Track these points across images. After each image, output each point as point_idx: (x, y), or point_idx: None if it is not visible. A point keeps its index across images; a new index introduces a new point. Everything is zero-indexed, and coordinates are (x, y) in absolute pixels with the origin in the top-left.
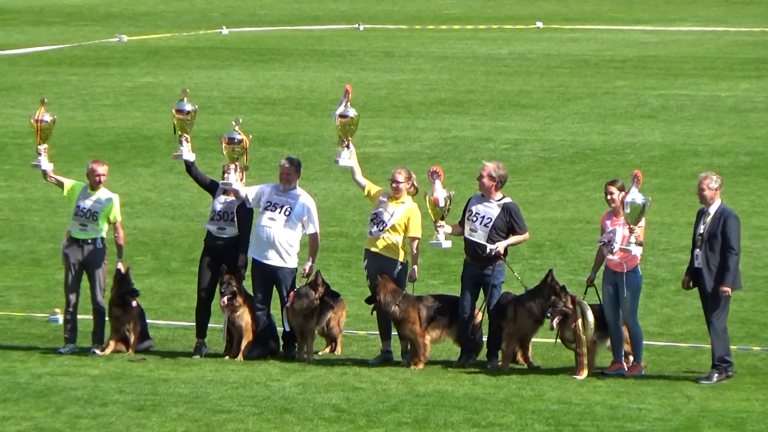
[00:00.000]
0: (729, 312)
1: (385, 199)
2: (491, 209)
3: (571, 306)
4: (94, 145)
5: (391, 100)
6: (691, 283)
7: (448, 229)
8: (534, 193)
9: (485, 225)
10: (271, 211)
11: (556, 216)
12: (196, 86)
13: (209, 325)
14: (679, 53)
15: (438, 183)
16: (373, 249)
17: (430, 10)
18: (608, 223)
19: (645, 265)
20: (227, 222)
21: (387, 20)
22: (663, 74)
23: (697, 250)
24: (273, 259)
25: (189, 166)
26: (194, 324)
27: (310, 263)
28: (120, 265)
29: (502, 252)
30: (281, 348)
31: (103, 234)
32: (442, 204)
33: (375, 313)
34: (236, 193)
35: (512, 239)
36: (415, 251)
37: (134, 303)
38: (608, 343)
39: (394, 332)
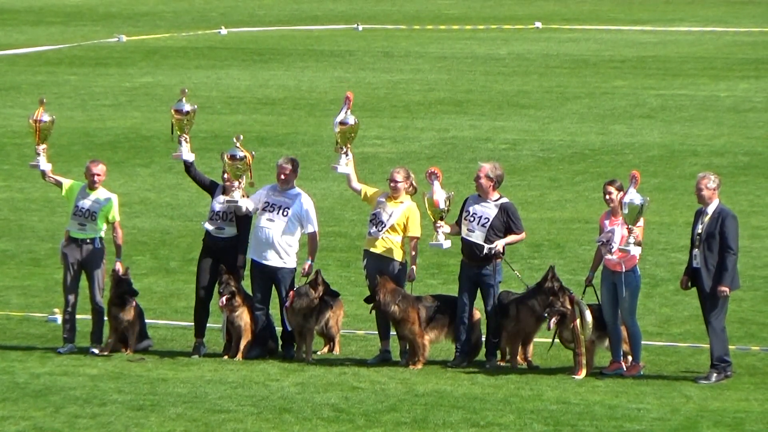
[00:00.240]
0: (728, 312)
1: (383, 200)
2: (489, 209)
3: (569, 306)
4: (93, 145)
5: (390, 100)
6: (689, 283)
7: (447, 228)
8: (533, 193)
9: (483, 225)
10: (270, 212)
11: (554, 216)
12: (195, 86)
13: (208, 324)
14: (678, 53)
15: (437, 184)
16: (371, 249)
17: (429, 10)
18: (607, 222)
19: (644, 264)
20: (226, 222)
21: (386, 20)
22: (662, 74)
23: (696, 250)
24: (272, 260)
25: (188, 167)
26: (193, 324)
27: (309, 262)
28: (118, 265)
29: (501, 251)
30: (280, 348)
31: (102, 234)
32: (442, 206)
33: (374, 312)
34: (240, 209)
35: (509, 239)
36: (414, 251)
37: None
38: (607, 343)
39: (393, 332)
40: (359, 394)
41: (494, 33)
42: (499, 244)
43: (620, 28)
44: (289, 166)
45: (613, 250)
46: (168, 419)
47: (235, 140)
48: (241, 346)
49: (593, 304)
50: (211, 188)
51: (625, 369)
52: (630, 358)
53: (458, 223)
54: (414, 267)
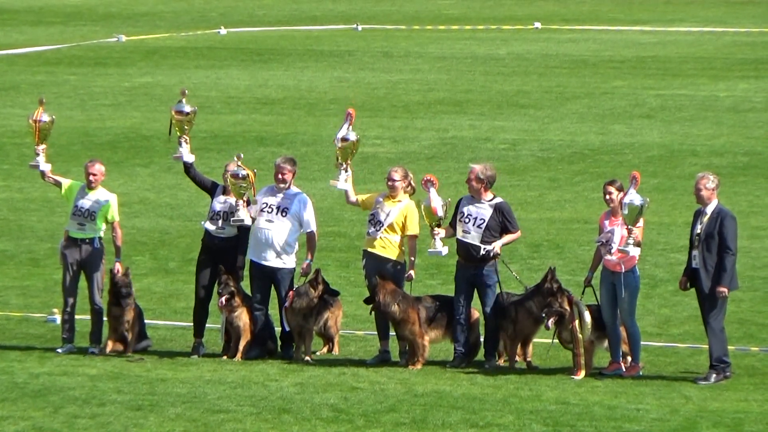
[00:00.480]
0: (727, 312)
1: (381, 199)
2: (483, 210)
3: (567, 306)
4: (93, 145)
5: (390, 100)
6: (688, 284)
7: (443, 233)
8: (532, 193)
9: (478, 226)
10: (269, 212)
11: (554, 216)
12: (195, 86)
13: (207, 325)
14: (677, 53)
15: (433, 191)
16: (370, 249)
17: (428, 10)
18: (606, 223)
19: (643, 265)
20: (227, 222)
21: (385, 20)
22: (661, 74)
23: (695, 250)
24: (272, 260)
25: (188, 168)
26: (192, 324)
27: (308, 262)
28: (118, 266)
29: (499, 252)
30: (279, 348)
31: (101, 234)
32: (440, 213)
33: (373, 313)
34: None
35: (506, 238)
36: (412, 249)
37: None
38: (606, 343)
39: (392, 332)
40: (358, 394)
41: (494, 33)
42: (496, 246)
43: (620, 28)
44: (287, 166)
45: (612, 251)
46: (167, 419)
47: (236, 159)
48: (241, 347)
49: (592, 304)
50: (212, 189)
51: (624, 369)
52: (629, 358)
53: (452, 225)
54: (413, 266)
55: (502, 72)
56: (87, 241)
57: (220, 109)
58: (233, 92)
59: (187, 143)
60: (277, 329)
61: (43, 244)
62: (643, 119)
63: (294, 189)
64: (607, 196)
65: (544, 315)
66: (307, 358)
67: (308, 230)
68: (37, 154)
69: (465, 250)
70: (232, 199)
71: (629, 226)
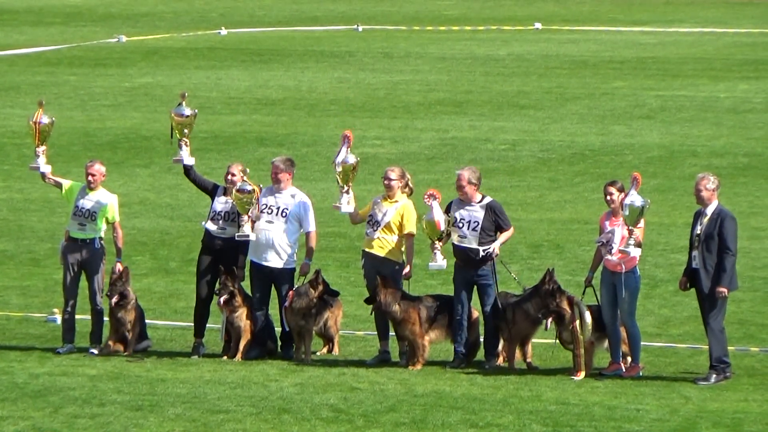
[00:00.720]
0: (727, 313)
1: (379, 200)
2: (476, 212)
3: (565, 307)
4: (93, 146)
5: (390, 100)
6: (688, 284)
7: (438, 245)
8: (532, 194)
9: (474, 229)
10: (268, 213)
11: (554, 216)
12: (195, 87)
13: (207, 325)
14: (677, 54)
15: (436, 205)
16: (368, 249)
17: (428, 10)
18: (607, 223)
19: (643, 265)
20: (228, 222)
21: (386, 21)
22: (661, 75)
23: (695, 251)
24: (272, 261)
25: (188, 170)
26: (192, 324)
27: (307, 262)
28: (118, 266)
29: (498, 253)
30: (279, 348)
31: (102, 234)
32: (443, 227)
33: (373, 313)
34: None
35: (503, 238)
36: (410, 248)
37: (115, 299)
38: (606, 344)
39: (392, 332)
40: (358, 394)
41: (494, 34)
42: (496, 248)
43: (620, 29)
44: (282, 166)
45: (613, 251)
46: (167, 419)
47: (242, 173)
48: (241, 347)
49: (593, 305)
50: (212, 190)
51: (624, 370)
52: (629, 359)
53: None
54: (410, 265)
55: (502, 72)
56: (87, 241)
57: (220, 110)
58: (233, 93)
59: (187, 146)
60: (277, 329)
61: (43, 244)
62: (643, 120)
63: (293, 189)
64: (608, 197)
65: (540, 315)
66: (305, 357)
67: (307, 230)
68: (38, 156)
69: (463, 255)
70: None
71: (630, 227)
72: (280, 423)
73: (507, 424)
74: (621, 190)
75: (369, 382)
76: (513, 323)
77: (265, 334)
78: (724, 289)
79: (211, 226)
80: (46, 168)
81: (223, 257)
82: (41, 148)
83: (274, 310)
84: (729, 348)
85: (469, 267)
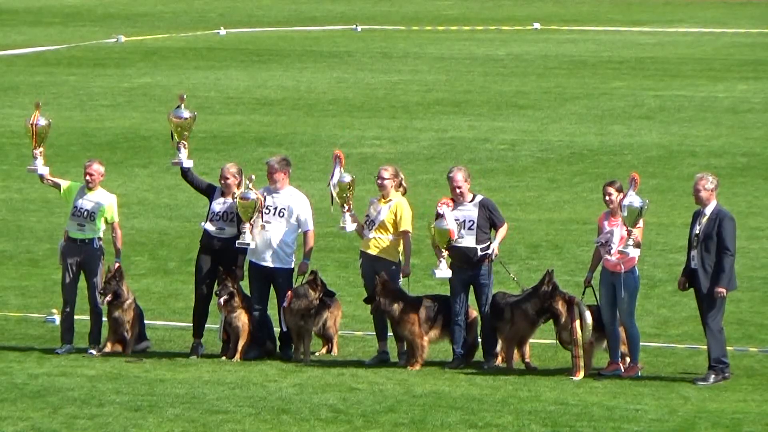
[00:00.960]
0: (725, 313)
1: (375, 200)
2: (470, 211)
3: (559, 307)
4: (92, 146)
5: (389, 100)
6: (687, 284)
7: (445, 253)
8: (531, 194)
9: (470, 228)
10: (266, 214)
11: (553, 217)
12: (194, 87)
13: (206, 325)
14: (676, 54)
15: (449, 213)
16: (364, 249)
17: (427, 10)
18: (606, 223)
19: (642, 265)
20: (227, 222)
21: (384, 21)
22: (660, 75)
23: (693, 251)
24: (270, 261)
25: (185, 172)
26: (191, 324)
27: (305, 261)
28: (116, 266)
29: (498, 253)
30: (278, 349)
31: (101, 234)
32: (456, 236)
33: (372, 313)
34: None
35: (499, 237)
36: (406, 246)
37: (108, 298)
38: (605, 344)
39: (391, 333)
40: (357, 395)
41: (493, 34)
42: (495, 248)
43: (619, 29)
44: (278, 166)
45: (612, 252)
46: (166, 420)
47: (248, 181)
48: (240, 347)
49: (592, 305)
50: (209, 191)
51: (623, 370)
52: (628, 359)
53: None
54: (408, 263)
55: (501, 72)
56: (86, 241)
57: (219, 110)
58: (232, 93)
59: (185, 148)
60: (276, 330)
61: (42, 244)
62: (642, 120)
63: (291, 189)
64: (607, 197)
65: (535, 315)
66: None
67: (305, 230)
68: (35, 158)
69: (462, 255)
70: (230, 199)
71: (629, 228)
72: (279, 423)
73: (506, 424)
74: (620, 190)
75: (368, 382)
76: (512, 323)
77: (264, 334)
78: (722, 290)
79: (210, 227)
80: (44, 170)
81: (221, 258)
82: (39, 150)
83: (273, 310)
84: (728, 348)
85: (467, 267)
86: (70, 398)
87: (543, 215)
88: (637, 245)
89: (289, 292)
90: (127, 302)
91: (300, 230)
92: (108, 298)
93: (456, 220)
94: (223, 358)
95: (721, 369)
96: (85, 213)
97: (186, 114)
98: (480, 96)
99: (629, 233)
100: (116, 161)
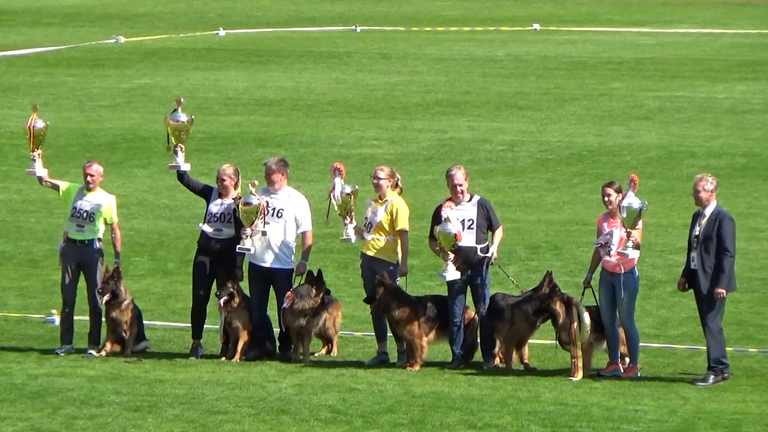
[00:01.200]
0: (725, 314)
1: (372, 202)
2: (468, 211)
3: (556, 308)
4: (91, 146)
5: (388, 101)
6: (686, 285)
7: (452, 256)
8: (530, 195)
9: (469, 228)
10: (265, 213)
11: (552, 217)
12: (193, 87)
13: (206, 326)
14: (676, 55)
15: (453, 216)
16: (364, 250)
17: (427, 11)
18: (605, 225)
19: (641, 266)
20: (224, 223)
21: (384, 22)
22: (660, 76)
23: (693, 252)
24: (270, 262)
25: (181, 175)
26: (190, 325)
27: (303, 262)
28: (116, 267)
29: (497, 256)
30: (278, 349)
31: (100, 235)
32: (463, 237)
33: (371, 314)
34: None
35: (497, 239)
36: (404, 245)
37: (106, 298)
38: (605, 344)
39: (390, 333)
40: (357, 395)
41: (492, 34)
42: (495, 252)
43: (618, 29)
44: (275, 167)
45: (611, 253)
46: (165, 420)
47: (251, 186)
48: (239, 348)
49: (591, 305)
50: (205, 193)
51: (622, 370)
52: (627, 359)
53: (434, 235)
54: (405, 262)
55: (500, 73)
56: (86, 242)
57: (218, 111)
58: (232, 93)
59: (182, 152)
60: (276, 330)
61: (41, 245)
62: (641, 121)
63: (289, 189)
64: (606, 198)
65: (535, 315)
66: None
67: (303, 230)
68: (33, 160)
69: (463, 255)
70: (228, 201)
71: (628, 229)
72: (278, 424)
73: (505, 424)
74: (619, 191)
75: (367, 382)
76: (511, 324)
77: (264, 334)
78: (722, 290)
79: (207, 228)
80: (42, 172)
81: (219, 259)
82: (37, 152)
83: (272, 311)
84: (727, 349)
85: (466, 267)
86: (70, 399)
87: (542, 216)
88: (636, 246)
89: (289, 293)
90: (125, 303)
91: (298, 231)
92: (106, 298)
93: (457, 220)
94: (223, 358)
95: (721, 370)
96: (85, 214)
97: (183, 117)
98: (479, 97)
99: (628, 235)
100: (115, 162)
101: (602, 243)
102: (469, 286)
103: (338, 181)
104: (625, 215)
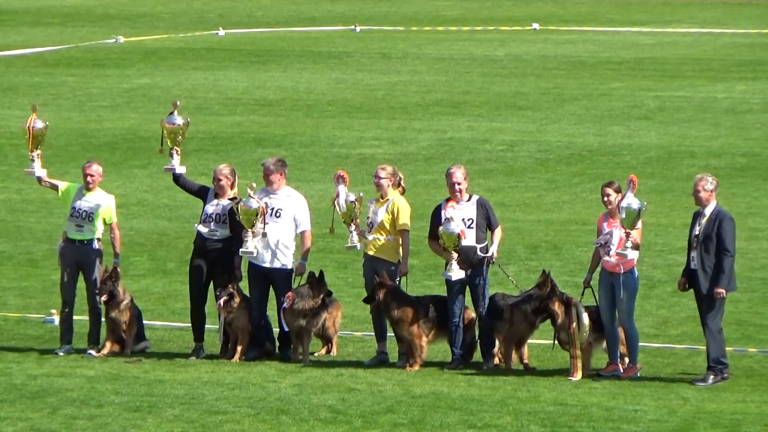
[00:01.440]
0: (725, 313)
1: (374, 201)
2: (467, 210)
3: (554, 308)
4: (91, 146)
5: (388, 101)
6: (686, 285)
7: (455, 255)
8: (530, 195)
9: (469, 227)
10: (264, 214)
11: (552, 217)
12: (193, 87)
13: (205, 326)
14: (675, 55)
15: (456, 214)
16: (366, 251)
17: (426, 11)
18: (605, 225)
19: (641, 266)
20: (219, 224)
21: (384, 22)
22: (659, 76)
23: (693, 251)
24: (270, 262)
25: (176, 177)
26: (190, 325)
27: (302, 262)
28: (114, 267)
29: (497, 256)
30: (277, 349)
31: (99, 235)
32: (467, 236)
33: (371, 314)
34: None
35: (497, 239)
36: (404, 244)
37: (104, 298)
38: (604, 344)
39: (390, 333)
40: (356, 395)
41: (492, 34)
42: (495, 252)
43: (618, 29)
44: (273, 167)
45: (611, 253)
46: (165, 420)
47: (249, 190)
48: (239, 348)
49: (591, 305)
50: (201, 193)
51: (622, 370)
52: (627, 359)
53: (433, 235)
54: (405, 262)
55: (500, 73)
56: (85, 242)
57: (218, 111)
58: (231, 93)
59: (178, 154)
60: (275, 330)
61: (41, 245)
62: (641, 120)
63: (288, 189)
64: (605, 198)
65: (534, 315)
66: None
67: (302, 230)
68: (32, 160)
69: (463, 254)
70: (224, 202)
71: (627, 230)
72: (278, 424)
73: (505, 424)
74: (618, 190)
75: (367, 383)
76: (511, 324)
77: (263, 335)
78: (722, 290)
79: (202, 229)
80: (41, 172)
81: (214, 259)
82: (36, 153)
83: (272, 310)
84: (727, 349)
85: (466, 267)
86: (69, 399)
87: (542, 216)
88: (635, 247)
89: (290, 293)
90: (123, 303)
91: (297, 231)
92: (104, 298)
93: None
94: (222, 359)
95: (720, 369)
96: (84, 214)
97: (179, 120)
98: (479, 97)
99: (627, 235)
100: (115, 162)
101: (602, 243)
102: (468, 286)
103: (342, 189)
104: (624, 216)
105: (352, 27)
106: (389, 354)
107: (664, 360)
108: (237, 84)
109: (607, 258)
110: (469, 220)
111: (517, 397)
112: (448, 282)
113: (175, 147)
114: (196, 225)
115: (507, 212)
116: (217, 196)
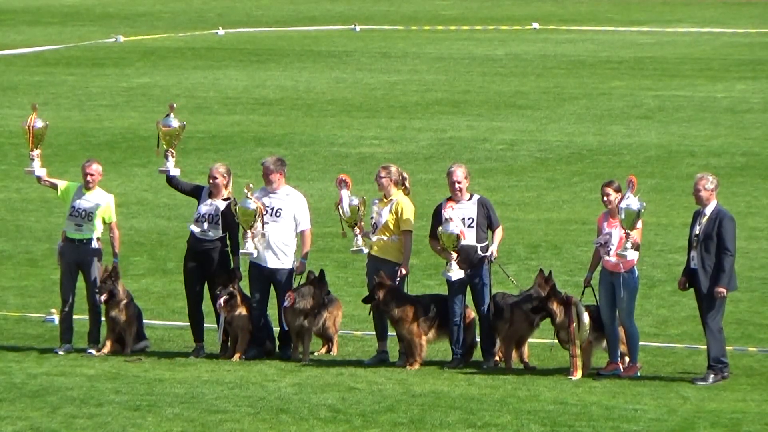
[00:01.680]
0: (725, 313)
1: (377, 202)
2: (468, 209)
3: (553, 307)
4: (90, 146)
5: (388, 100)
6: (687, 284)
7: (455, 255)
8: (530, 194)
9: (469, 226)
10: (263, 214)
11: (552, 217)
12: (192, 87)
13: (205, 325)
14: (675, 54)
15: (455, 215)
16: (370, 251)
17: (426, 10)
18: (605, 224)
19: (641, 266)
20: (211, 225)
21: (383, 21)
22: (659, 75)
23: (693, 251)
24: (270, 261)
25: (170, 178)
26: (189, 324)
27: (302, 261)
28: (114, 266)
29: (497, 255)
30: (277, 348)
31: (99, 234)
32: (467, 236)
33: (371, 313)
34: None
35: (497, 239)
36: (406, 245)
37: (104, 297)
38: (605, 344)
39: (390, 333)
40: (356, 394)
41: (491, 34)
42: (495, 251)
43: (617, 29)
44: (273, 167)
45: (611, 253)
46: (165, 419)
47: (246, 191)
48: (239, 347)
49: (591, 305)
50: (195, 192)
51: (622, 370)
52: (627, 359)
53: (434, 235)
54: (407, 262)
55: (499, 72)
56: (84, 241)
57: (217, 110)
58: (231, 93)
59: (173, 156)
60: (276, 329)
61: (40, 244)
62: (640, 120)
63: (288, 189)
64: (605, 198)
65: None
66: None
67: (302, 229)
68: (32, 159)
69: (463, 254)
70: (217, 202)
71: (626, 230)
72: (278, 423)
73: (505, 423)
74: (618, 190)
75: (367, 382)
76: (511, 323)
77: (264, 334)
78: (722, 290)
79: (195, 229)
80: (41, 171)
81: (208, 259)
82: (36, 152)
83: (272, 310)
84: (727, 348)
85: (466, 267)
86: (69, 398)
87: (542, 215)
88: (635, 247)
89: (290, 293)
90: (123, 302)
91: (297, 230)
92: (104, 297)
93: (458, 219)
94: (222, 358)
95: (720, 369)
96: (83, 213)
97: (175, 123)
98: (479, 96)
99: (627, 236)
100: (115, 161)
101: (602, 242)
102: (469, 286)
103: (345, 194)
104: (623, 216)
105: (352, 26)
106: (390, 353)
107: (664, 359)
108: (237, 83)
109: (607, 257)
110: (469, 219)
111: (517, 396)
112: (448, 282)
113: (170, 150)
114: (189, 225)
115: (507, 211)
116: (211, 195)
